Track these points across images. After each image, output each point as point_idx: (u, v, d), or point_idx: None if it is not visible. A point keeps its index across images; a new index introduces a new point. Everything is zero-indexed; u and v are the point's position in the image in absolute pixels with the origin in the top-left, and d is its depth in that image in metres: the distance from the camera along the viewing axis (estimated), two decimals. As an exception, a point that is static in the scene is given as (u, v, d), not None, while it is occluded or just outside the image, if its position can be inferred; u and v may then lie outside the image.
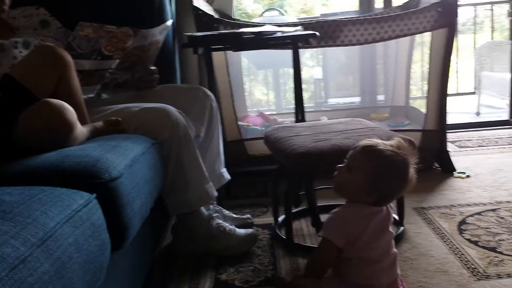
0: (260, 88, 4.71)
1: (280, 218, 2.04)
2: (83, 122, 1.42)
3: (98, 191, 1.08)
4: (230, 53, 2.61)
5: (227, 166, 2.13)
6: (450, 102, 2.75)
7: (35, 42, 1.71)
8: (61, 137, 1.27)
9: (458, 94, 4.87)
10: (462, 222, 2.00)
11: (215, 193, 1.83)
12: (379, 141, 1.30)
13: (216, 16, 2.55)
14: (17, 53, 1.64)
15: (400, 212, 1.97)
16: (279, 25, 2.48)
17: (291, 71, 2.27)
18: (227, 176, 2.10)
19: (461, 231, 1.91)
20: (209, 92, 2.03)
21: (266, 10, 3.96)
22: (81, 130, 1.37)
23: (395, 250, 1.35)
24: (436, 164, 2.73)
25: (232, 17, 2.80)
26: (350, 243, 1.27)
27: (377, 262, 1.29)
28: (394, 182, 1.28)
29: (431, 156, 2.70)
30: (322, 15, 3.82)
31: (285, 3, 6.05)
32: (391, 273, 1.33)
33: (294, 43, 2.19)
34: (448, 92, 2.69)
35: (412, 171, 1.28)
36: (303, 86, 2.38)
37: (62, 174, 1.11)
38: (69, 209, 0.93)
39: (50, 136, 1.25)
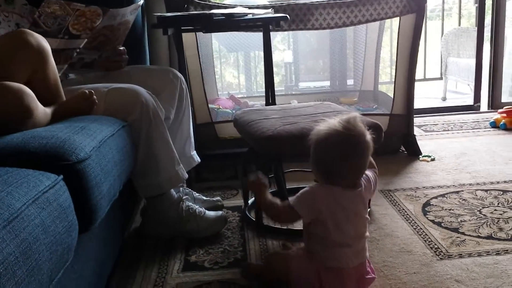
0: (231, 71, 4.69)
1: (250, 201, 2.06)
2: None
3: (65, 172, 1.06)
4: (201, 35, 2.59)
5: (197, 148, 2.13)
6: (417, 87, 2.80)
7: (-1, 19, 1.66)
8: (19, 122, 1.24)
9: (425, 79, 4.96)
10: (426, 204, 2.05)
11: (186, 176, 1.82)
12: (326, 122, 1.30)
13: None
14: (-21, 31, 1.59)
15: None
16: (250, 7, 2.46)
17: (262, 54, 2.27)
18: (197, 158, 2.10)
19: (425, 213, 1.96)
20: (179, 74, 2.01)
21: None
22: (44, 113, 1.33)
23: (367, 234, 1.38)
24: (402, 147, 2.78)
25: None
26: (320, 221, 1.30)
27: (348, 246, 1.32)
28: (333, 157, 1.27)
29: (397, 140, 2.75)
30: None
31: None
32: (359, 257, 1.36)
33: (265, 26, 2.19)
34: (416, 77, 2.74)
35: (359, 143, 1.26)
36: (274, 69, 2.38)
37: (28, 156, 1.09)
38: (35, 190, 0.92)
39: (7, 121, 1.22)
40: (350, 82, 3.68)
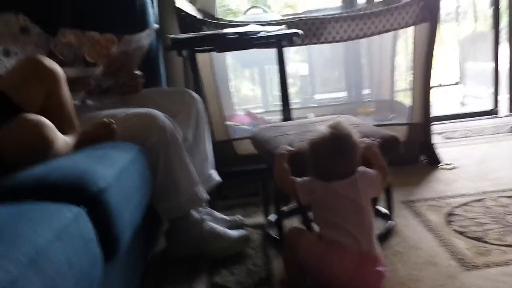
0: (247, 85, 4.71)
1: (272, 217, 2.05)
2: (73, 131, 1.42)
3: (87, 203, 1.07)
4: (214, 53, 2.61)
5: (217, 167, 2.14)
6: (435, 93, 2.77)
7: (15, 50, 1.70)
8: (40, 154, 1.26)
9: (442, 85, 4.91)
10: (450, 213, 2.02)
11: (206, 196, 1.83)
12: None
13: (199, 16, 2.55)
14: (-2, 62, 1.63)
15: (389, 206, 1.99)
16: (263, 24, 2.48)
17: (276, 68, 2.28)
18: (217, 177, 2.10)
19: (448, 223, 1.94)
20: (195, 95, 2.03)
21: (250, 8, 3.96)
22: (64, 142, 1.35)
23: (371, 221, 1.44)
24: (422, 156, 2.75)
25: (216, 16, 2.79)
26: (316, 207, 1.47)
27: (339, 225, 1.41)
28: (324, 158, 1.43)
29: (417, 149, 2.73)
30: (306, 12, 3.83)
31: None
32: (359, 240, 1.40)
33: (278, 42, 2.20)
34: (433, 83, 2.71)
35: (344, 143, 1.42)
36: (289, 81, 2.39)
37: (50, 188, 1.10)
38: (58, 225, 0.93)
39: (28, 154, 1.23)
40: (366, 92, 3.66)
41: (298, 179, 1.50)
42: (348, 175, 1.44)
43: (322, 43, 2.56)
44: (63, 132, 1.36)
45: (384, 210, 2.01)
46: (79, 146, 1.41)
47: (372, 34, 2.58)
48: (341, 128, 1.45)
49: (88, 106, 1.84)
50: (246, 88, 4.71)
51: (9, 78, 1.38)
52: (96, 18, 1.94)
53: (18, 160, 1.22)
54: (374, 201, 1.91)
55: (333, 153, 1.42)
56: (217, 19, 2.71)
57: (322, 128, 1.46)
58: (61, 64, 1.49)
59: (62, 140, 1.34)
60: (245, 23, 2.53)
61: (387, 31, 2.59)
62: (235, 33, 2.11)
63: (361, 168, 1.47)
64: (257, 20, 2.79)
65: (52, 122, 1.29)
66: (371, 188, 1.46)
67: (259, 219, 2.17)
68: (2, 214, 0.92)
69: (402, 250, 1.75)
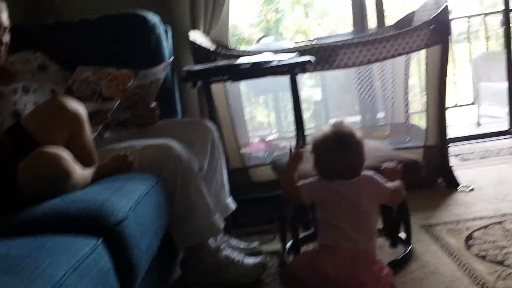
0: (261, 111, 4.75)
1: (289, 244, 2.05)
2: (91, 164, 1.46)
3: (104, 235, 1.10)
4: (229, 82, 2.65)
5: (232, 194, 2.15)
6: (449, 114, 2.76)
7: (34, 87, 1.75)
8: (59, 186, 1.29)
9: (457, 106, 4.89)
10: (469, 237, 2.00)
11: (222, 224, 1.84)
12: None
13: (213, 46, 2.60)
14: (17, 99, 1.68)
15: (408, 231, 1.98)
16: (276, 52, 2.52)
17: (290, 94, 2.30)
18: (233, 205, 2.12)
19: (468, 247, 1.91)
20: (210, 124, 2.06)
21: (262, 37, 4.03)
22: (82, 174, 1.38)
23: (372, 225, 1.47)
24: (440, 179, 2.73)
25: (229, 46, 2.84)
26: (319, 206, 1.50)
27: (336, 226, 1.44)
28: (326, 155, 1.47)
29: (434, 172, 2.71)
30: (317, 39, 3.88)
31: (281, 25, 6.12)
32: (355, 241, 1.42)
33: (291, 70, 2.23)
34: (447, 105, 2.71)
35: (344, 140, 1.46)
36: (304, 105, 2.41)
37: (68, 221, 1.13)
38: (76, 257, 0.95)
39: (47, 186, 1.26)
40: (380, 115, 3.66)
41: (301, 183, 1.54)
42: (352, 175, 1.46)
43: (334, 69, 2.59)
44: (83, 165, 1.39)
45: (402, 235, 2.00)
46: (97, 178, 1.44)
47: (384, 59, 2.60)
48: (342, 127, 1.48)
49: (106, 138, 1.88)
50: (260, 115, 4.75)
51: (35, 119, 1.41)
52: (113, 54, 2.00)
53: (37, 192, 1.26)
54: (395, 228, 1.92)
55: (334, 150, 1.45)
56: (230, 49, 2.76)
57: (324, 128, 1.51)
58: (80, 99, 1.53)
59: (80, 172, 1.38)
60: (257, 52, 2.57)
61: (399, 55, 2.61)
62: (248, 63, 2.14)
63: (369, 172, 1.50)
64: (269, 49, 2.84)
65: (73, 158, 1.32)
66: (376, 194, 1.48)
67: (275, 246, 2.16)
68: (21, 246, 0.95)
69: (422, 276, 1.73)
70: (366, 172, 1.51)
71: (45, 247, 0.95)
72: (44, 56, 1.93)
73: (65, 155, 1.30)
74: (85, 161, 1.43)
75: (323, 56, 2.55)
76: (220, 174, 2.09)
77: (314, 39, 3.83)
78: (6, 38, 1.73)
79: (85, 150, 1.47)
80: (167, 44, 2.20)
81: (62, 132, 1.39)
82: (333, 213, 1.46)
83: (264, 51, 2.50)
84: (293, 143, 1.60)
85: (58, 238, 1.01)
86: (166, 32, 2.22)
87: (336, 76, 4.10)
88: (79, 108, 1.44)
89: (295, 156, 1.57)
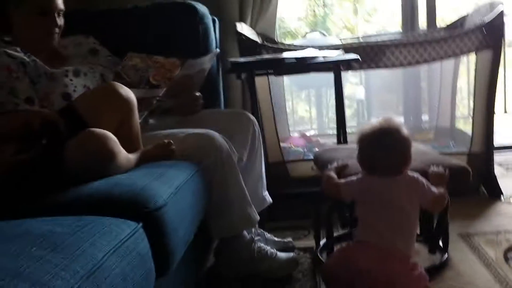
0: (303, 106, 4.73)
1: (322, 242, 2.05)
2: (136, 150, 1.50)
3: (144, 219, 1.12)
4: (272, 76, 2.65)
5: (269, 188, 2.16)
6: (497, 121, 2.68)
7: (84, 71, 1.81)
8: (103, 166, 1.32)
9: (506, 112, 4.72)
10: (509, 249, 1.95)
11: (257, 217, 1.85)
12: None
13: (259, 39, 2.60)
14: (68, 81, 1.73)
15: (445, 239, 1.94)
16: (321, 48, 2.50)
17: (333, 90, 2.29)
18: (269, 199, 2.13)
19: (507, 259, 1.86)
20: (251, 117, 2.07)
21: (308, 32, 4.01)
22: (127, 158, 1.42)
23: (410, 226, 1.46)
24: (482, 188, 2.66)
25: (275, 39, 2.84)
26: (357, 203, 1.51)
27: (373, 224, 1.45)
28: (369, 148, 1.47)
29: (477, 180, 2.64)
30: (365, 37, 3.82)
31: (328, 20, 6.07)
32: (390, 239, 1.42)
33: (335, 67, 2.21)
34: (495, 111, 2.63)
35: (389, 135, 1.45)
36: (346, 102, 2.40)
37: (111, 203, 1.17)
38: (116, 239, 0.98)
39: (92, 165, 1.30)
40: (425, 117, 3.59)
41: (343, 181, 1.56)
42: (395, 172, 1.45)
43: (380, 68, 2.55)
44: (128, 151, 1.43)
45: (439, 242, 1.96)
46: (140, 163, 1.48)
47: (433, 61, 2.55)
48: (391, 122, 1.48)
49: (150, 125, 1.92)
50: (302, 109, 4.73)
51: (87, 102, 1.46)
52: (161, 42, 2.04)
53: (83, 172, 1.30)
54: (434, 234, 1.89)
55: (378, 143, 1.45)
56: (276, 42, 2.76)
57: (373, 121, 1.51)
58: (128, 85, 1.57)
59: (125, 156, 1.42)
60: (303, 47, 2.56)
61: (448, 57, 2.55)
62: (293, 58, 2.14)
63: (413, 173, 1.48)
64: (315, 44, 2.82)
65: (120, 142, 1.36)
66: (418, 196, 1.46)
67: (309, 242, 2.17)
68: (65, 225, 0.98)
69: (457, 285, 1.70)
70: (411, 173, 1.49)
71: (87, 227, 0.98)
72: (96, 40, 1.98)
73: (112, 136, 1.34)
74: (131, 146, 1.47)
75: (370, 54, 2.51)
76: (259, 167, 2.10)
77: (361, 37, 3.77)
78: (61, 21, 1.78)
79: (132, 135, 1.51)
80: (214, 35, 2.22)
81: (112, 117, 1.43)
82: (372, 211, 1.46)
83: (309, 47, 2.49)
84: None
85: (100, 219, 1.04)
86: (214, 23, 2.24)
87: (380, 75, 4.04)
88: (130, 94, 1.47)
89: (342, 166, 1.62)
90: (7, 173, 1.26)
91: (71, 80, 1.73)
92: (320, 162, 1.95)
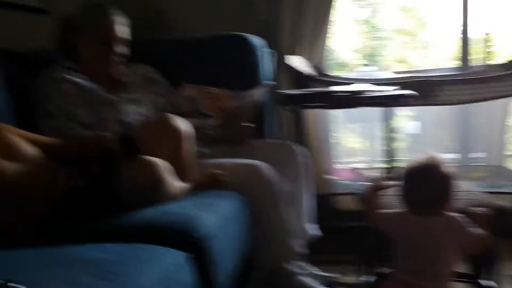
0: (351, 138, 4.69)
1: (367, 278, 2.00)
2: (188, 178, 1.54)
3: (191, 249, 1.15)
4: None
5: (316, 220, 2.14)
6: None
7: (141, 98, 1.87)
8: (153, 193, 1.36)
9: None
10: None
11: (302, 250, 1.84)
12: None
13: (311, 71, 2.62)
14: (125, 108, 1.80)
15: (493, 279, 1.86)
16: (373, 83, 2.49)
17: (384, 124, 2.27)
18: (315, 231, 2.11)
19: None
20: (298, 148, 2.07)
21: (360, 65, 4.00)
22: (177, 186, 1.46)
23: (444, 268, 1.41)
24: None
25: (328, 71, 2.84)
26: (393, 238, 1.47)
27: (409, 261, 1.42)
28: (409, 183, 1.45)
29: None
30: (419, 71, 3.77)
31: (382, 53, 6.02)
32: (424, 281, 1.39)
33: (387, 103, 2.19)
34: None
35: (431, 172, 1.42)
36: (396, 136, 2.37)
37: (159, 232, 1.20)
38: (162, 268, 1.00)
39: (142, 192, 1.34)
40: (476, 155, 3.48)
41: (387, 213, 1.53)
42: (434, 210, 1.42)
43: (433, 104, 2.51)
44: (180, 179, 1.47)
45: (489, 283, 1.88)
46: (190, 192, 1.52)
47: (491, 98, 2.48)
48: (434, 158, 1.46)
49: (201, 153, 1.96)
50: (350, 141, 4.69)
51: (140, 131, 1.51)
52: (216, 73, 2.09)
53: (134, 199, 1.34)
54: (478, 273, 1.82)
55: (418, 178, 1.44)
56: (328, 75, 2.76)
57: (417, 157, 1.49)
58: (181, 114, 1.62)
59: (175, 184, 1.45)
60: (355, 81, 2.55)
61: (505, 96, 2.48)
62: (344, 92, 2.14)
63: (455, 214, 1.44)
64: (367, 78, 2.82)
65: (172, 171, 1.40)
66: (456, 237, 1.42)
67: (353, 278, 2.12)
68: (115, 252, 1.01)
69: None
70: (452, 213, 1.45)
71: (136, 255, 1.01)
72: (154, 69, 2.05)
73: (163, 164, 1.38)
74: (182, 175, 1.51)
75: (424, 90, 2.47)
76: (306, 199, 2.09)
77: (415, 71, 3.73)
78: (123, 50, 1.86)
79: (183, 164, 1.55)
80: (267, 67, 2.26)
81: (165, 146, 1.48)
82: (408, 248, 1.43)
83: (361, 80, 2.48)
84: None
85: (148, 248, 1.07)
86: (267, 55, 2.28)
87: (434, 109, 3.95)
88: (184, 125, 1.52)
89: (376, 183, 1.60)
90: (61, 197, 1.32)
91: (127, 107, 1.80)
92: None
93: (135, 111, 1.81)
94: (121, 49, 1.85)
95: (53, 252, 1.03)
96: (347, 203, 2.57)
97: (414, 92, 2.17)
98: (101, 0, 1.98)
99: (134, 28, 1.96)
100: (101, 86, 1.80)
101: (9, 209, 1.26)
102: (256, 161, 1.77)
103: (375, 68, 3.85)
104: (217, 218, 1.33)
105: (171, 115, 1.51)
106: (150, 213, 1.28)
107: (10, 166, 1.33)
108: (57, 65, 1.81)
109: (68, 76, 1.74)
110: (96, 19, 1.82)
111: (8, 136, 1.40)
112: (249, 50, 2.17)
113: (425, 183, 1.43)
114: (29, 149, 1.41)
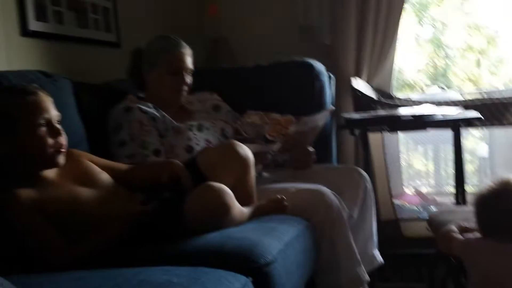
0: (419, 160, 4.56)
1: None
2: (250, 203, 1.58)
3: (253, 274, 1.17)
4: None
5: (380, 247, 2.10)
6: None
7: (207, 125, 1.94)
8: (219, 218, 1.39)
9: None
10: None
11: (366, 277, 1.81)
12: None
13: (374, 94, 2.60)
14: (192, 135, 1.87)
15: None
16: (439, 104, 2.44)
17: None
18: (380, 259, 2.07)
19: None
20: (363, 173, 2.05)
21: (427, 86, 3.91)
22: (241, 211, 1.49)
23: None
24: None
25: (392, 93, 2.81)
26: (474, 267, 1.40)
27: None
28: (486, 209, 1.39)
29: None
30: (489, 92, 3.63)
31: (449, 72, 5.85)
32: None
33: (455, 126, 2.14)
34: None
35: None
36: (467, 157, 2.30)
37: (222, 256, 1.23)
38: (226, 292, 1.03)
39: (208, 217, 1.38)
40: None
41: (463, 238, 1.47)
42: (509, 237, 1.35)
43: (503, 126, 2.42)
44: (242, 204, 1.51)
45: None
46: (253, 217, 1.54)
47: None
48: (506, 183, 1.40)
49: (264, 178, 1.99)
50: (417, 164, 4.56)
51: (206, 159, 1.56)
52: (278, 99, 2.13)
53: (199, 223, 1.38)
54: None
55: (493, 206, 1.38)
56: (392, 97, 2.73)
57: (489, 182, 1.44)
58: (245, 140, 1.66)
59: (239, 209, 1.48)
60: (421, 102, 2.51)
61: None
62: (409, 115, 2.11)
63: None
64: (434, 99, 2.75)
65: (235, 196, 1.44)
66: None
67: (422, 308, 2.06)
68: (180, 276, 1.05)
69: None
70: None
71: (201, 279, 1.04)
72: (219, 97, 2.12)
73: (228, 191, 1.41)
74: (245, 200, 1.55)
75: (494, 111, 2.40)
76: (369, 224, 2.06)
77: (485, 91, 3.60)
78: (189, 79, 1.95)
79: (247, 190, 1.58)
80: (329, 92, 2.27)
81: (230, 174, 1.51)
82: (487, 277, 1.37)
83: (428, 102, 2.43)
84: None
85: (212, 272, 1.10)
86: (329, 79, 2.29)
87: (506, 130, 3.78)
88: (248, 153, 1.56)
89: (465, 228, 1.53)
90: (131, 222, 1.37)
91: (194, 134, 1.87)
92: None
93: (202, 138, 1.88)
94: (188, 78, 1.94)
95: (120, 273, 1.08)
96: (415, 229, 2.50)
97: (479, 115, 2.10)
98: (167, 32, 2.09)
99: (197, 57, 2.04)
100: (170, 114, 1.88)
101: (83, 234, 1.33)
102: (319, 185, 1.78)
103: (443, 88, 3.75)
104: (278, 242, 1.34)
105: (237, 143, 1.55)
106: (214, 238, 1.31)
107: (84, 192, 1.41)
108: (129, 95, 1.92)
109: (139, 106, 1.84)
110: (167, 51, 1.91)
111: (83, 162, 1.49)
112: (312, 75, 2.19)
113: (502, 211, 1.37)
114: (102, 176, 1.49)
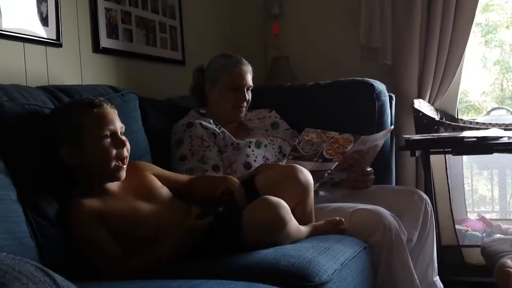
0: (483, 185, 4.38)
1: None
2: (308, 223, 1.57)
3: (307, 292, 1.16)
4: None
5: (441, 273, 2.03)
6: None
7: (265, 142, 1.96)
8: (275, 233, 1.39)
9: None
10: None
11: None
12: None
13: (437, 116, 2.54)
14: (250, 152, 1.90)
15: None
16: (507, 127, 2.34)
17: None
18: (440, 285, 2.00)
19: None
20: (424, 196, 2.00)
21: (493, 109, 3.77)
22: (298, 228, 1.48)
23: None
24: None
25: (456, 115, 2.73)
26: None
27: None
28: None
29: None
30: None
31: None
32: None
33: (521, 150, 2.05)
34: None
35: None
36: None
37: (277, 273, 1.23)
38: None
39: (264, 231, 1.38)
40: None
41: None
42: None
43: None
44: (300, 224, 1.50)
45: None
46: (309, 236, 1.54)
47: None
48: None
49: (320, 196, 1.98)
50: (482, 188, 4.38)
51: (266, 181, 1.55)
52: (338, 117, 2.12)
53: (256, 237, 1.39)
54: None
55: None
56: (456, 119, 2.65)
57: None
58: (302, 158, 1.66)
59: (296, 226, 1.48)
60: (486, 125, 2.42)
61: None
62: (474, 137, 2.04)
63: None
64: (500, 122, 2.65)
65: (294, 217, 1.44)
66: None
67: None
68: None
69: None
70: None
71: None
72: (277, 115, 2.15)
73: (285, 205, 1.41)
74: (303, 220, 1.54)
75: None
76: (430, 249, 2.00)
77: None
78: (249, 96, 1.98)
79: (305, 212, 1.58)
80: (390, 112, 2.24)
81: (292, 199, 1.50)
82: None
83: (493, 125, 2.35)
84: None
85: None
86: (390, 99, 2.26)
87: None
88: (309, 179, 1.54)
89: None
90: (188, 236, 1.40)
91: (253, 151, 1.90)
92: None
93: (260, 155, 1.90)
94: (248, 95, 1.97)
95: (177, 285, 1.10)
96: (477, 256, 2.39)
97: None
98: (230, 50, 2.14)
99: (258, 75, 2.08)
100: (229, 130, 1.92)
101: (141, 247, 1.37)
102: (377, 206, 1.74)
103: (508, 111, 3.60)
104: (334, 262, 1.33)
105: (298, 168, 1.53)
106: (269, 254, 1.31)
107: (144, 206, 1.46)
108: (191, 111, 1.97)
109: (201, 121, 1.89)
110: (228, 68, 1.96)
111: (146, 176, 1.54)
112: (373, 95, 2.17)
113: None
114: (163, 191, 1.53)
